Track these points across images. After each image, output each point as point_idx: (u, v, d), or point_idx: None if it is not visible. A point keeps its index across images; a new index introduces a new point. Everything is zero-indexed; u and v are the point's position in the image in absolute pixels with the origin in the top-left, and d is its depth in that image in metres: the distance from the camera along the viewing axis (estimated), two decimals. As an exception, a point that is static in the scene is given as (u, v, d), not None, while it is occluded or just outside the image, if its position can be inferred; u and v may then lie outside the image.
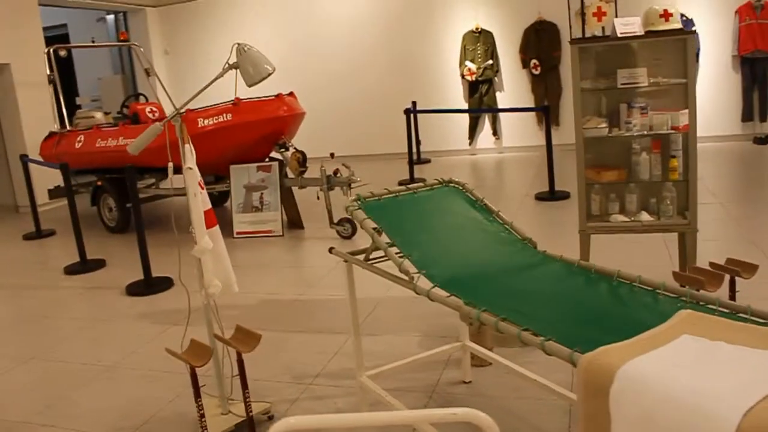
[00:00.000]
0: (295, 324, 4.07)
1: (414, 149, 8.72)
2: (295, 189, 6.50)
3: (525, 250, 2.50)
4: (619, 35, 3.43)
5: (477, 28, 9.72)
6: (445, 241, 2.50)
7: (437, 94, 10.21)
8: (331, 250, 2.83)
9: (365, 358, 3.48)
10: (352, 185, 5.94)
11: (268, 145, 6.29)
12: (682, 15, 8.38)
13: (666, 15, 3.40)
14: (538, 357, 3.28)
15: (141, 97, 7.52)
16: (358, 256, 2.70)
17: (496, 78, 9.87)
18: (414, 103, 9.62)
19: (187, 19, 11.20)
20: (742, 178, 6.83)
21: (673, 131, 3.57)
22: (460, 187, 2.87)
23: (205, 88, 2.71)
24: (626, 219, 3.79)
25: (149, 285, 4.95)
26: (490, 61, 9.72)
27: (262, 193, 6.32)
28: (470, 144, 10.30)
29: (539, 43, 9.50)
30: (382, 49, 10.37)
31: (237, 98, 5.99)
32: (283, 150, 6.34)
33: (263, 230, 6.28)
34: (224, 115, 5.97)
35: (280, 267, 5.37)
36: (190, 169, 2.61)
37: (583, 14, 3.52)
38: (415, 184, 2.83)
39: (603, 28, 3.72)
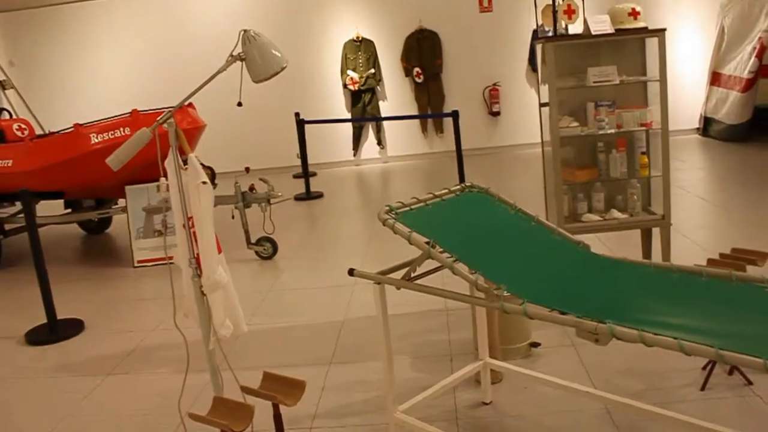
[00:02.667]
0: (258, 360, 3.59)
1: (301, 162, 8.34)
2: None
3: (587, 255, 2.32)
4: (593, 33, 3.39)
5: (358, 37, 9.56)
6: (505, 251, 2.26)
7: (319, 104, 9.88)
8: (351, 271, 2.47)
9: (357, 390, 3.14)
10: (272, 201, 5.49)
11: (170, 161, 5.63)
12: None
13: (634, 13, 3.42)
14: (540, 367, 3.13)
15: (4, 113, 6.45)
16: (390, 275, 2.38)
17: (378, 87, 9.76)
18: (297, 114, 9.23)
19: (34, 28, 9.89)
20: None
21: (642, 128, 3.61)
22: (484, 192, 2.65)
23: (206, 84, 2.30)
24: (599, 218, 3.78)
25: (55, 330, 4.16)
26: (372, 70, 9.60)
27: (165, 215, 5.63)
28: (355, 155, 10.10)
29: (421, 51, 9.54)
30: (260, 59, 9.86)
31: (135, 110, 5.31)
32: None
33: (169, 256, 5.59)
34: (121, 129, 5.24)
35: (203, 296, 4.78)
36: (204, 183, 2.15)
37: (554, 12, 3.45)
38: (441, 191, 2.56)
39: (566, 26, 3.68)
